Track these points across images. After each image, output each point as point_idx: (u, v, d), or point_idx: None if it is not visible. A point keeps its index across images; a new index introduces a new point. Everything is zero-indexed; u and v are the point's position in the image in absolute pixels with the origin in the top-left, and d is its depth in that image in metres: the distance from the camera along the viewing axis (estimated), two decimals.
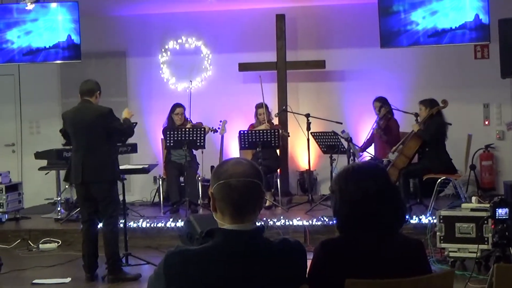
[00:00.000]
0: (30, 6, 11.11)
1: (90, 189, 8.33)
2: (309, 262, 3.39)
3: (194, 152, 11.92)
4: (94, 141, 8.26)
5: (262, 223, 9.80)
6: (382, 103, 11.81)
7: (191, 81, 13.11)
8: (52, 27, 12.25)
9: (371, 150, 12.01)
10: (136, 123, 9.25)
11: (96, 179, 8.29)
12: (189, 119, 12.13)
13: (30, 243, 10.47)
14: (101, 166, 8.29)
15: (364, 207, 3.44)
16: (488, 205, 7.72)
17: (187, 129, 11.40)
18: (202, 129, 11.46)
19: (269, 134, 11.48)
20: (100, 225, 8.57)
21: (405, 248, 3.50)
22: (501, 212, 6.84)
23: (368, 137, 12.07)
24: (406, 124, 11.72)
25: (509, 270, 3.98)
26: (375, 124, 11.81)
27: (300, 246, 3.30)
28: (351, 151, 11.17)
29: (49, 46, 12.31)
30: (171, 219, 10.63)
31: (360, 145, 11.89)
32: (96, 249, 8.44)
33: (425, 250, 3.63)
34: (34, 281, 8.36)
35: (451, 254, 8.24)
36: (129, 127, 8.68)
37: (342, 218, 3.52)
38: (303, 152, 12.77)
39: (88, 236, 8.44)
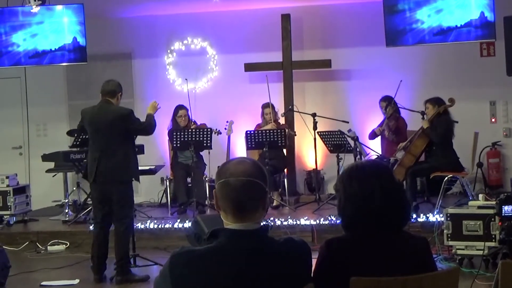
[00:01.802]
0: (35, 9, 11.14)
1: (106, 189, 8.32)
2: (314, 261, 3.41)
3: (201, 152, 11.94)
4: (112, 142, 8.26)
5: (268, 222, 9.81)
6: (387, 102, 11.79)
7: (186, 79, 13.03)
8: (58, 30, 12.27)
9: (378, 148, 12.00)
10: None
11: (112, 180, 8.28)
12: (193, 121, 12.12)
13: (38, 245, 10.49)
14: (117, 167, 8.27)
15: (369, 205, 3.44)
16: (495, 203, 7.71)
17: (193, 130, 11.40)
18: (209, 129, 11.46)
19: (275, 134, 11.49)
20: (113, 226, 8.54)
21: (410, 246, 3.51)
22: (508, 209, 6.84)
23: (375, 130, 11.98)
24: (413, 123, 11.71)
25: None
26: (385, 125, 11.76)
27: (305, 245, 3.31)
28: (358, 150, 11.17)
29: (55, 49, 12.33)
30: (178, 220, 10.65)
31: (366, 145, 11.86)
32: (107, 251, 8.42)
33: (430, 247, 3.64)
34: (42, 283, 8.38)
35: (459, 252, 8.23)
36: (150, 124, 8.64)
37: (347, 216, 3.53)
38: (309, 152, 12.77)
39: (99, 238, 8.42)
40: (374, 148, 11.85)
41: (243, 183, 3.16)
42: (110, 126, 8.26)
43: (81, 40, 12.24)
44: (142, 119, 8.63)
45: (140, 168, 10.08)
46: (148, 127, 8.64)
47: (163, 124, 12.61)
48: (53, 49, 12.37)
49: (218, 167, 3.33)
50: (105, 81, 8.63)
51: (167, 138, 12.37)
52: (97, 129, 8.35)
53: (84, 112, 8.61)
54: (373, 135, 12.00)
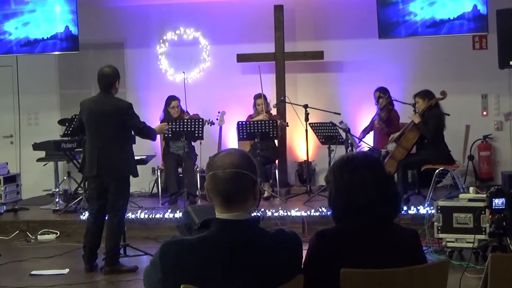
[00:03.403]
0: None
1: (105, 182, 8.30)
2: (305, 253, 3.41)
3: (193, 143, 11.93)
4: (110, 135, 8.21)
5: (259, 213, 9.82)
6: (381, 93, 11.79)
7: (184, 72, 13.03)
8: (50, 18, 12.25)
9: (369, 140, 12.00)
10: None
11: (111, 173, 8.27)
12: (185, 111, 12.11)
13: (29, 234, 10.47)
14: (116, 160, 8.26)
15: (359, 197, 3.44)
16: (485, 196, 7.73)
17: (185, 121, 11.39)
18: (201, 120, 11.45)
19: (267, 125, 11.48)
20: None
21: (400, 238, 3.52)
22: (498, 202, 6.87)
23: (367, 126, 12.03)
24: (405, 115, 11.70)
25: (504, 259, 3.99)
26: (376, 116, 11.79)
27: (296, 236, 3.32)
28: (349, 141, 11.18)
29: (47, 37, 12.32)
30: (169, 210, 10.64)
31: (358, 135, 11.88)
32: (100, 241, 8.40)
33: (420, 240, 3.64)
34: (32, 272, 8.37)
35: (449, 245, 8.25)
36: (150, 130, 8.65)
37: (337, 208, 3.53)
38: (301, 143, 12.77)
39: (94, 228, 8.39)
40: (366, 140, 11.86)
41: (231, 175, 3.18)
42: (108, 119, 8.21)
43: (73, 29, 12.22)
44: (134, 109, 8.58)
45: None
46: (147, 130, 8.59)
47: (155, 114, 12.60)
48: (45, 37, 12.37)
49: (210, 157, 3.34)
50: (99, 72, 8.38)
51: None
52: (95, 121, 8.28)
53: (83, 104, 8.51)
54: (364, 133, 12.00)
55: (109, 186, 8.28)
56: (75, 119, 9.04)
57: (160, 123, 11.78)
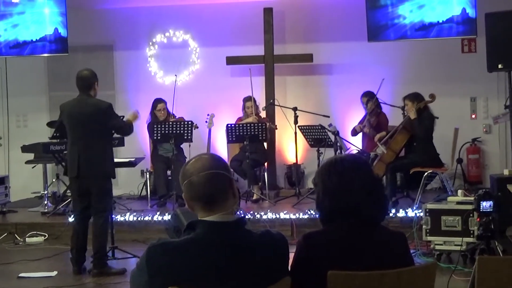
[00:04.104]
0: None
1: (85, 183, 8.29)
2: (293, 255, 3.41)
3: (181, 145, 11.92)
4: (90, 136, 8.22)
5: (247, 215, 9.84)
6: (369, 97, 11.81)
7: (176, 75, 13.04)
8: (39, 20, 12.23)
9: (358, 143, 12.02)
10: (123, 116, 9.24)
11: (92, 173, 8.26)
12: (172, 113, 12.10)
13: (17, 237, 10.44)
14: (97, 160, 8.26)
15: (347, 199, 3.45)
16: (473, 198, 7.74)
17: (174, 123, 11.38)
18: (190, 122, 11.43)
19: (256, 127, 11.49)
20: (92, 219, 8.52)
21: (387, 240, 3.52)
22: (486, 205, 6.87)
23: (356, 126, 12.01)
24: (394, 118, 11.75)
25: (491, 262, 4.00)
26: (366, 121, 11.78)
27: (282, 238, 3.33)
28: (338, 144, 11.19)
29: (36, 39, 12.29)
30: (158, 213, 10.63)
31: (347, 139, 11.88)
32: (86, 243, 8.40)
33: (408, 242, 3.65)
34: (20, 275, 8.34)
35: (437, 247, 8.27)
36: (128, 126, 8.63)
37: (325, 210, 3.53)
38: (290, 146, 12.78)
39: (79, 230, 8.39)
40: (355, 143, 11.87)
41: (206, 177, 3.21)
42: (88, 120, 8.23)
43: (62, 31, 12.20)
44: (123, 111, 8.60)
45: (120, 160, 10.08)
46: (126, 127, 8.62)
47: (144, 116, 12.56)
48: (34, 39, 12.33)
49: (181, 168, 3.35)
50: (78, 74, 8.44)
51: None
52: (76, 123, 8.30)
53: (63, 106, 8.55)
54: (354, 132, 12.02)
55: (91, 187, 8.29)
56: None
57: (147, 126, 11.78)
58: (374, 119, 11.79)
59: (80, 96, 8.39)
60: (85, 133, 8.23)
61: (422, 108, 10.49)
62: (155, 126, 11.32)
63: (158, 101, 12.09)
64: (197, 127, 12.02)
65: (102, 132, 8.30)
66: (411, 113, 10.49)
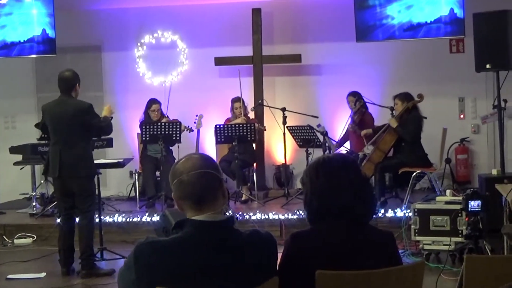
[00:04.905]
0: (4, 0, 11.04)
1: (68, 183, 8.31)
2: (280, 255, 3.41)
3: (170, 146, 11.90)
4: (72, 136, 8.24)
5: (235, 215, 9.82)
6: (357, 97, 11.83)
7: (170, 81, 13.05)
8: (27, 21, 12.20)
9: (347, 144, 12.04)
10: (112, 117, 9.22)
11: (74, 174, 8.26)
12: (165, 115, 12.08)
13: (5, 238, 10.41)
14: (78, 160, 8.26)
15: (334, 198, 3.45)
16: (461, 198, 7.75)
17: (163, 124, 11.37)
18: (178, 123, 11.43)
19: (245, 128, 11.48)
20: (77, 219, 8.52)
21: (375, 240, 3.52)
22: (474, 204, 6.87)
23: (343, 134, 12.06)
24: (382, 118, 11.75)
25: (480, 261, 4.01)
26: (350, 119, 11.84)
27: (271, 238, 3.32)
28: (327, 145, 11.20)
29: (24, 40, 12.26)
30: (147, 214, 10.62)
31: (336, 140, 11.91)
32: (73, 244, 8.41)
33: (396, 242, 3.65)
34: (8, 276, 8.33)
35: (426, 247, 8.29)
36: (108, 125, 8.60)
37: (312, 210, 3.53)
38: (279, 146, 12.78)
39: (64, 231, 8.40)
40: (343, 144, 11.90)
41: (197, 176, 3.21)
42: (70, 120, 8.25)
43: (50, 32, 12.17)
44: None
45: (108, 161, 10.05)
46: (106, 127, 8.61)
47: (133, 117, 12.59)
48: (22, 40, 12.30)
49: (171, 168, 3.35)
50: (60, 75, 8.45)
51: (137, 131, 12.35)
52: (57, 123, 8.33)
53: (44, 107, 8.62)
54: (339, 142, 12.03)
55: (74, 189, 8.31)
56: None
57: (140, 125, 11.76)
58: (358, 117, 11.82)
59: (61, 97, 8.41)
60: (66, 134, 8.26)
61: (411, 108, 10.52)
62: (144, 127, 11.32)
63: (153, 101, 12.08)
64: (192, 131, 12.04)
65: (83, 132, 8.32)
66: (392, 122, 10.51)
